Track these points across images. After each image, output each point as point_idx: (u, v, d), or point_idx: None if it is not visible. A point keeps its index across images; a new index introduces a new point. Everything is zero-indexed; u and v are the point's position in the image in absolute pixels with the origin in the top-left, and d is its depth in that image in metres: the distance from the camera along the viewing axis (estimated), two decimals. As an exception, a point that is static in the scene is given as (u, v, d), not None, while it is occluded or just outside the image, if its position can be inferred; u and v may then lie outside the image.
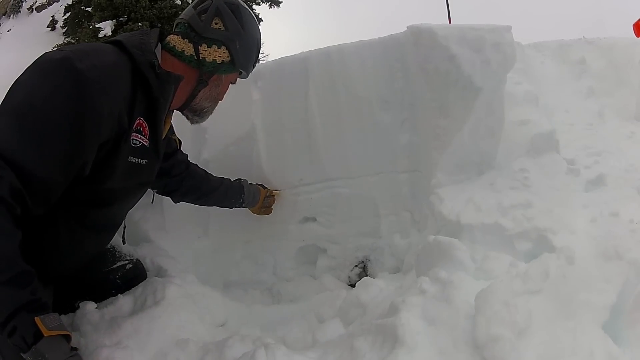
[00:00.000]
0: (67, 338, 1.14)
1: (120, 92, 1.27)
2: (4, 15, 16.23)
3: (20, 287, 1.09)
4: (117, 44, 1.35)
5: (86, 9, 10.67)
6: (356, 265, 2.30)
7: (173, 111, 1.62)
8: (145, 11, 9.59)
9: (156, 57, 1.37)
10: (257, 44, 1.58)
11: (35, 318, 1.08)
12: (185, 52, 1.45)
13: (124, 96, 1.28)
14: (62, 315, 1.61)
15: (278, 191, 2.30)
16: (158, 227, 2.19)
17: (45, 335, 1.07)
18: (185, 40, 1.46)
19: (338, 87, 2.20)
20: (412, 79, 2.11)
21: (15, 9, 16.38)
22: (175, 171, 1.88)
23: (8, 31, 15.62)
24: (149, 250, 2.03)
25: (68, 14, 11.74)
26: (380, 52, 2.16)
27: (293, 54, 2.32)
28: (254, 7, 12.34)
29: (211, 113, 1.63)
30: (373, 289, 1.79)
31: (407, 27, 2.07)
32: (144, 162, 1.42)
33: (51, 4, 16.10)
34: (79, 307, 1.61)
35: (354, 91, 2.18)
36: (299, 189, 2.30)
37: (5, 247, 1.09)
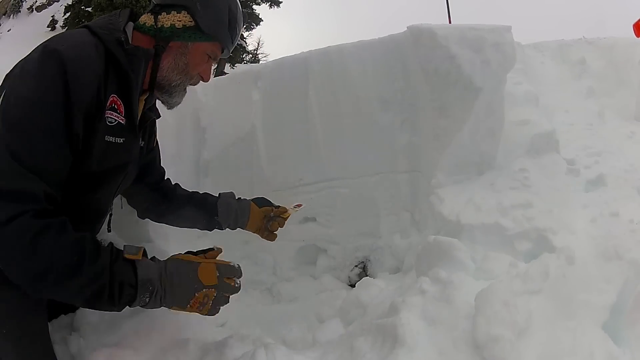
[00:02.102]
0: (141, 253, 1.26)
1: (95, 68, 1.26)
2: (4, 15, 16.23)
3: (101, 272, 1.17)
4: (86, 27, 1.34)
5: (86, 9, 10.69)
6: (356, 266, 2.30)
7: (152, 91, 1.52)
8: (146, 11, 9.59)
9: (125, 34, 1.35)
10: (226, 4, 1.47)
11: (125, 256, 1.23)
12: (146, 24, 1.42)
13: (98, 73, 1.27)
14: (62, 315, 1.61)
15: (295, 208, 1.84)
16: (158, 227, 2.18)
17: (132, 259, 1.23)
18: (148, 14, 1.44)
19: (338, 87, 2.20)
20: (412, 79, 2.11)
21: (15, 9, 16.39)
22: (142, 188, 1.75)
23: (8, 31, 15.62)
24: (149, 250, 2.01)
25: (68, 14, 11.76)
26: (380, 52, 2.16)
27: (293, 54, 2.32)
28: (254, 7, 12.34)
29: (184, 89, 1.50)
30: (373, 289, 1.79)
31: (407, 28, 2.07)
32: (121, 141, 1.38)
33: (51, 4, 16.11)
34: (79, 307, 1.61)
35: (354, 91, 2.18)
36: (299, 189, 2.30)
37: (69, 257, 1.15)
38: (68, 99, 1.19)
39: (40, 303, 1.39)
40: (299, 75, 2.24)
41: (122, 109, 1.36)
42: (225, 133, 2.29)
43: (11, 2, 16.28)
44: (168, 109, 1.55)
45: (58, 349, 1.41)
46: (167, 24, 1.40)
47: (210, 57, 1.50)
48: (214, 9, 1.43)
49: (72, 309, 1.62)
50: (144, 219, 1.87)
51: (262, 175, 2.30)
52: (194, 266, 1.28)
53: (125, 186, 1.62)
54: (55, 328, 1.52)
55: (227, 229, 1.84)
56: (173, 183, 1.86)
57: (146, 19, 1.44)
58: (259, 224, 1.85)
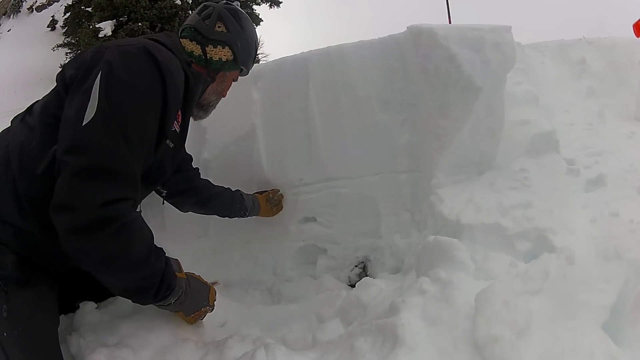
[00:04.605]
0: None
1: (182, 82, 1.46)
2: (4, 15, 16.25)
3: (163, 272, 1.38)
4: (158, 42, 1.49)
5: (86, 9, 10.69)
6: (356, 266, 2.29)
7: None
8: (145, 11, 9.60)
9: (188, 57, 1.57)
10: (255, 43, 1.75)
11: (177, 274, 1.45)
12: (194, 53, 1.62)
13: (182, 88, 1.48)
14: (63, 315, 1.61)
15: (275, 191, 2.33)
16: (158, 227, 2.19)
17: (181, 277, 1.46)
18: (194, 42, 1.63)
19: (338, 87, 2.20)
20: (412, 79, 2.11)
21: (15, 9, 16.40)
22: (184, 166, 1.97)
23: (8, 31, 15.64)
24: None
25: (68, 14, 11.76)
26: (380, 52, 2.17)
27: (293, 54, 2.32)
28: (254, 7, 12.34)
29: (214, 108, 1.79)
30: (373, 289, 1.79)
31: (407, 28, 2.07)
32: (172, 146, 1.57)
33: (51, 4, 16.13)
34: (79, 307, 1.61)
35: (354, 91, 2.18)
36: (299, 189, 2.30)
37: (141, 251, 1.31)
38: (166, 100, 1.36)
39: (52, 306, 1.41)
40: (299, 75, 2.24)
41: (180, 119, 1.58)
42: (226, 133, 2.30)
43: (11, 2, 16.28)
44: (194, 120, 1.77)
45: (58, 349, 1.41)
46: (216, 58, 1.65)
47: (234, 80, 1.78)
48: (247, 45, 1.70)
49: (72, 309, 1.63)
50: (186, 211, 2.09)
51: (262, 175, 2.30)
52: (207, 287, 1.64)
53: (157, 186, 1.79)
54: (55, 328, 1.52)
55: (244, 216, 2.20)
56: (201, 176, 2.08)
57: (192, 46, 1.62)
58: (265, 207, 2.26)
